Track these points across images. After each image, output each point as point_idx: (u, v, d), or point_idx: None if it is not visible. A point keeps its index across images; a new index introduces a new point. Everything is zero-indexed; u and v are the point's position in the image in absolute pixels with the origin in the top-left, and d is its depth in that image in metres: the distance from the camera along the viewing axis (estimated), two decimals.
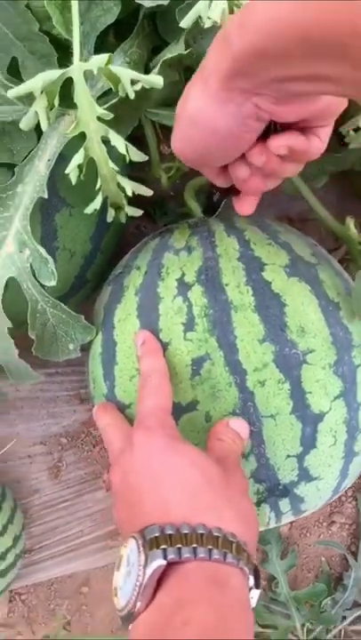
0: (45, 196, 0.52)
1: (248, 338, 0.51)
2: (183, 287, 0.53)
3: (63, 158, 0.52)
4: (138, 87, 0.47)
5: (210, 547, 0.37)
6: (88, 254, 0.62)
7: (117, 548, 0.81)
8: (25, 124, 0.50)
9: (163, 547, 0.37)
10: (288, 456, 0.52)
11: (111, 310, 0.58)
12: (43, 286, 0.54)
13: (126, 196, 0.54)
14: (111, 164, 0.51)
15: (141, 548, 0.37)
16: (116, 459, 0.46)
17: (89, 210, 0.55)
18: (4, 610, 0.81)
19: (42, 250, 0.52)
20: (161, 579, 0.37)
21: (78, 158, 0.50)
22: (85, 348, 0.60)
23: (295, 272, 0.54)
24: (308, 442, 0.52)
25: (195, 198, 0.67)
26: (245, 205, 0.50)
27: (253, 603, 0.40)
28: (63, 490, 0.81)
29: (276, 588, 0.80)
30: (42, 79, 0.45)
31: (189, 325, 0.52)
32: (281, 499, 0.54)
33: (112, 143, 0.49)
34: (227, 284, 0.52)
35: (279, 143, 0.42)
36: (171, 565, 0.37)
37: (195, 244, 0.56)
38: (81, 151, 0.50)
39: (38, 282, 0.54)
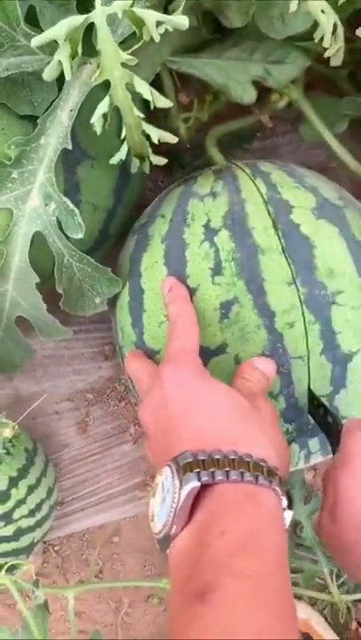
0: (69, 147, 0.52)
1: (276, 280, 0.51)
2: (210, 232, 0.53)
3: (82, 110, 0.52)
4: (162, 30, 0.47)
5: (242, 470, 0.38)
6: (110, 208, 0.62)
7: (146, 498, 0.83)
8: (48, 74, 0.49)
9: (196, 470, 0.38)
10: (319, 396, 0.52)
11: (137, 259, 0.58)
12: (69, 239, 0.54)
13: (152, 144, 0.54)
14: (136, 112, 0.50)
15: (175, 474, 0.38)
16: (146, 395, 0.47)
17: (114, 160, 0.55)
18: (39, 561, 0.84)
19: (68, 202, 0.52)
20: (195, 503, 0.38)
21: (103, 107, 0.50)
22: (110, 303, 0.60)
23: (323, 214, 0.54)
24: (339, 382, 0.53)
25: (217, 147, 0.67)
26: None
27: (287, 523, 0.41)
28: (91, 444, 0.82)
29: (300, 532, 0.82)
30: (65, 25, 0.45)
31: (217, 270, 0.52)
32: (311, 438, 0.55)
33: (137, 89, 0.49)
34: (253, 228, 0.53)
35: None
36: (204, 489, 0.38)
37: (220, 190, 0.56)
38: (106, 99, 0.50)
39: (65, 235, 0.54)
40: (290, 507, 0.41)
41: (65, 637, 0.83)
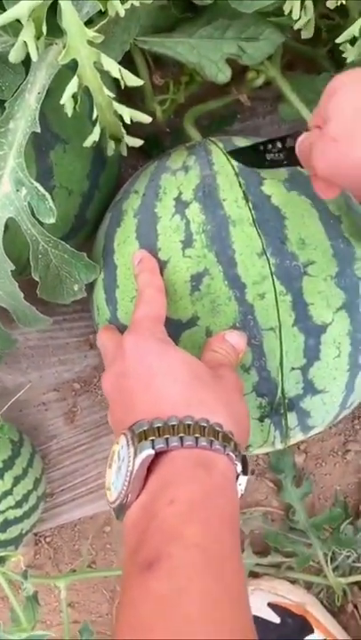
0: (38, 130, 0.51)
1: (246, 251, 0.51)
2: (181, 205, 0.53)
3: (52, 92, 0.51)
4: (128, 5, 0.46)
5: (197, 435, 0.38)
6: (86, 192, 0.61)
7: None
8: (14, 55, 0.48)
9: (151, 438, 0.38)
10: (292, 368, 0.52)
11: (111, 235, 0.58)
12: (43, 225, 0.54)
13: (125, 124, 0.53)
14: (106, 91, 0.49)
15: (130, 442, 0.38)
16: (108, 365, 0.47)
17: (88, 142, 0.54)
18: (31, 553, 0.83)
19: (38, 186, 0.51)
20: (150, 470, 0.38)
21: (72, 87, 0.49)
22: (88, 288, 0.60)
23: (295, 186, 0.54)
24: (312, 354, 0.52)
25: (194, 126, 0.66)
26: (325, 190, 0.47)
27: (242, 489, 0.41)
28: (80, 434, 0.82)
29: (293, 516, 0.82)
30: (27, 3, 0.44)
31: (188, 242, 0.52)
32: (288, 413, 0.55)
33: (105, 68, 0.48)
34: (224, 200, 0.53)
35: None
36: (160, 456, 0.38)
37: (192, 164, 0.56)
38: (74, 79, 0.49)
39: (38, 221, 0.53)
40: (245, 472, 0.41)
41: (60, 628, 0.83)
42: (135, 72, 0.63)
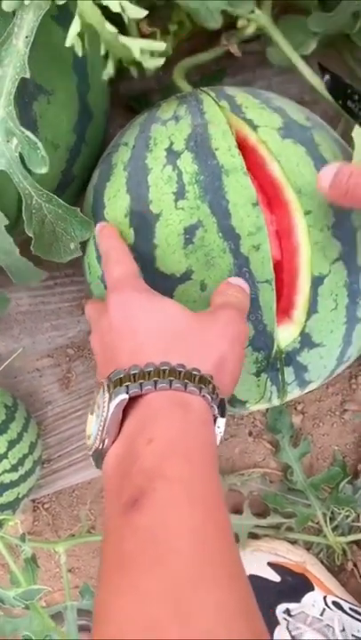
0: (28, 75, 0.49)
1: (241, 201, 0.50)
2: (172, 156, 0.52)
3: (35, 41, 0.48)
4: None
5: (171, 378, 0.39)
6: (73, 146, 0.59)
7: None
8: (7, 5, 0.46)
9: (126, 384, 0.39)
10: None
11: (101, 190, 0.56)
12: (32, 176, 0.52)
13: (121, 69, 0.51)
14: (109, 26, 0.47)
15: (106, 389, 0.39)
16: (94, 326, 0.48)
17: (105, 76, 0.51)
18: (30, 520, 0.83)
19: (30, 134, 0.50)
20: (125, 417, 0.39)
21: (75, 26, 0.47)
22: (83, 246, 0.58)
23: (289, 134, 0.53)
24: (309, 307, 0.51)
25: (185, 79, 0.64)
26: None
27: (221, 431, 0.42)
28: (75, 400, 0.81)
29: (291, 476, 0.82)
30: None
31: (180, 194, 0.51)
32: (286, 368, 0.54)
33: (104, 3, 0.46)
34: (217, 149, 0.51)
35: None
36: (135, 401, 0.39)
37: (182, 113, 0.54)
38: (76, 19, 0.47)
39: (30, 173, 0.52)
40: (222, 414, 0.41)
41: (61, 594, 0.83)
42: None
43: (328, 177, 0.46)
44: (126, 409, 0.39)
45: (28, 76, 0.49)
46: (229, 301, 0.46)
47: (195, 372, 0.39)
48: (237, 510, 0.83)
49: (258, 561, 0.79)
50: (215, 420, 0.41)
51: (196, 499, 0.34)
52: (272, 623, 0.76)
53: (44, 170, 0.50)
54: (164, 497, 0.33)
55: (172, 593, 0.29)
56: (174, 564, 0.30)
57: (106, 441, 0.39)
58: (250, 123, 0.53)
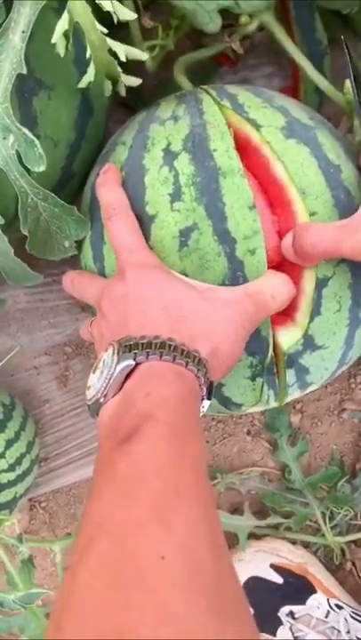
0: (24, 71, 0.48)
1: (237, 204, 0.49)
2: (169, 156, 0.51)
3: (33, 36, 0.48)
4: None
5: (175, 353, 0.42)
6: (73, 143, 0.59)
7: None
8: None
9: (134, 351, 0.42)
10: None
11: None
12: (30, 175, 0.51)
13: (120, 62, 0.51)
14: (99, 27, 0.47)
15: (115, 352, 0.43)
16: (107, 289, 0.50)
17: (83, 83, 0.51)
18: (27, 518, 0.82)
19: (27, 131, 0.49)
20: (127, 378, 0.43)
21: (63, 24, 0.46)
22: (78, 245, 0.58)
23: (293, 134, 0.52)
24: (313, 309, 0.51)
25: (185, 75, 0.63)
26: None
27: (204, 411, 0.46)
28: (73, 398, 0.80)
29: (289, 475, 0.81)
30: None
31: (176, 195, 0.50)
32: (286, 370, 0.53)
33: (95, 1, 0.45)
34: (215, 150, 0.50)
35: None
36: (138, 367, 0.43)
37: (181, 113, 0.53)
38: (64, 16, 0.46)
39: (27, 171, 0.51)
40: (209, 397, 0.45)
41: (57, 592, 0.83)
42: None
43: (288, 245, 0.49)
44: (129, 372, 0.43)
45: (24, 71, 0.48)
46: (262, 297, 0.48)
47: (195, 354, 0.43)
48: (236, 509, 0.82)
49: (260, 562, 0.79)
50: (202, 401, 0.46)
51: (179, 439, 0.38)
52: (275, 624, 0.76)
53: (41, 168, 0.50)
54: (154, 434, 0.38)
55: (156, 502, 0.34)
56: (158, 483, 0.35)
57: (107, 395, 0.42)
58: (253, 122, 0.52)
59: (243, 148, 0.51)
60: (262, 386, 0.53)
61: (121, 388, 0.43)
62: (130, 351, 0.42)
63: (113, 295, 0.49)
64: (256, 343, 0.51)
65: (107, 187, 0.53)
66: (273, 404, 0.57)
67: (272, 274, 0.50)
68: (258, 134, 0.51)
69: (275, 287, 0.49)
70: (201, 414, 0.46)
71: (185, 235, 0.50)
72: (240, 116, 0.52)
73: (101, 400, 0.43)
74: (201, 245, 0.49)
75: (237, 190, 0.49)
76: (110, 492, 0.35)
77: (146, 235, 0.51)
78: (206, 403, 0.46)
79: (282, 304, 0.49)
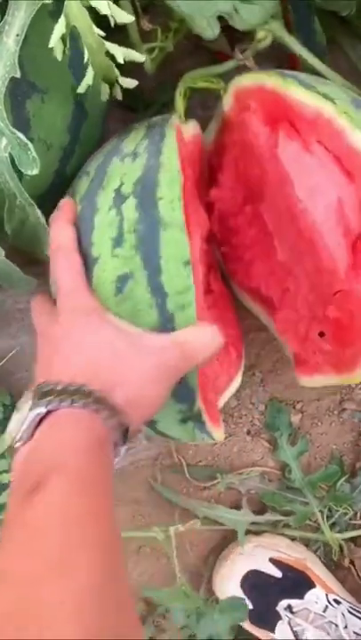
0: (18, 74, 0.48)
1: (173, 259, 0.49)
2: (119, 198, 0.51)
3: (27, 39, 0.48)
4: None
5: (87, 400, 0.43)
6: (66, 146, 0.59)
7: (130, 449, 0.82)
8: None
9: (49, 398, 0.43)
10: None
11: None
12: (21, 181, 0.52)
13: (118, 65, 0.50)
14: (96, 30, 0.47)
15: (32, 397, 0.45)
16: (44, 330, 0.52)
17: (81, 88, 0.51)
18: None
19: (20, 135, 0.49)
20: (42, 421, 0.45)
21: (60, 28, 0.46)
22: None
23: (360, 106, 0.52)
24: None
25: (184, 95, 0.63)
26: None
27: (122, 454, 0.47)
28: None
29: (289, 474, 0.81)
30: None
31: (118, 240, 0.50)
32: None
33: (92, 4, 0.45)
34: (160, 199, 0.49)
35: None
36: (51, 414, 0.44)
37: (142, 150, 0.53)
38: (61, 20, 0.46)
39: (18, 177, 0.51)
40: (124, 442, 0.46)
41: None
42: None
43: None
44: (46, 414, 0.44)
45: (18, 75, 0.48)
46: (190, 346, 0.49)
47: (109, 400, 0.44)
48: (236, 507, 0.82)
49: (260, 556, 0.79)
50: (115, 446, 0.46)
51: (86, 488, 0.40)
52: (274, 618, 0.76)
53: (34, 171, 0.50)
54: (58, 485, 0.39)
55: (57, 555, 0.35)
56: (61, 536, 0.36)
57: (22, 439, 0.44)
58: (325, 96, 0.51)
59: (313, 122, 0.51)
60: (193, 429, 0.55)
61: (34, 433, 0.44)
62: (45, 397, 0.44)
63: (47, 334, 0.51)
64: (183, 391, 0.52)
65: (57, 224, 0.53)
66: (210, 440, 0.58)
67: (202, 325, 0.50)
68: (333, 106, 0.51)
69: (203, 337, 0.49)
70: (119, 457, 0.46)
71: (122, 281, 0.50)
72: (310, 91, 0.52)
73: (17, 444, 0.44)
74: (135, 295, 0.49)
75: (175, 244, 0.49)
76: (14, 543, 0.37)
77: (89, 276, 0.51)
78: (122, 448, 0.46)
79: (209, 355, 0.50)
